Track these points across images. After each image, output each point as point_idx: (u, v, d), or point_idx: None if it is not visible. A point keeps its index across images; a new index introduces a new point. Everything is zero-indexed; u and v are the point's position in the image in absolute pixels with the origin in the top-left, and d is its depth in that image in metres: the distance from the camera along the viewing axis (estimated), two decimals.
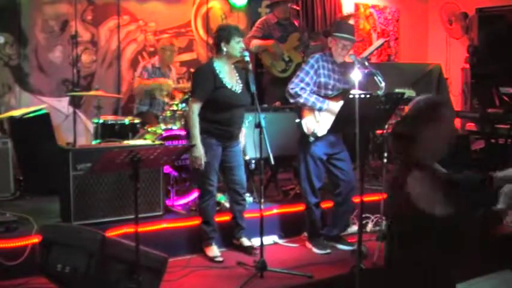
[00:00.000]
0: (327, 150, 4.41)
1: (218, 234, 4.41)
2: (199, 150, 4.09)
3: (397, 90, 4.91)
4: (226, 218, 4.51)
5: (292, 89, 4.31)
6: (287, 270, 4.00)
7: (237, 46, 4.15)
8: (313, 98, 4.29)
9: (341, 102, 4.24)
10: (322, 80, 4.34)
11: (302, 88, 4.29)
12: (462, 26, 8.65)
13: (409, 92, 4.64)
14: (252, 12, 7.44)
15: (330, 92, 4.38)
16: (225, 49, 4.16)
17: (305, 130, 4.35)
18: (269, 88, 6.23)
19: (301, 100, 4.29)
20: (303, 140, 4.40)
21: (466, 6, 8.59)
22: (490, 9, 8.37)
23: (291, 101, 4.38)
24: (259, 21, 6.38)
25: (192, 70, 6.98)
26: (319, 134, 4.30)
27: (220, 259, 4.25)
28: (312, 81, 4.32)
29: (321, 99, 4.31)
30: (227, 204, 4.64)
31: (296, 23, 6.46)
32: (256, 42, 6.09)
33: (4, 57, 5.97)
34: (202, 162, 4.10)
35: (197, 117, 4.10)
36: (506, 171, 2.27)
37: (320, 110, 4.29)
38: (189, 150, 4.13)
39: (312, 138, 4.32)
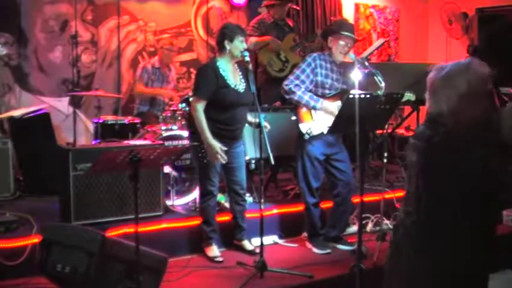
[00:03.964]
0: (324, 151, 4.41)
1: (218, 234, 4.41)
2: (215, 145, 4.04)
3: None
4: (226, 218, 4.51)
5: (286, 85, 4.32)
6: (287, 270, 4.00)
7: (239, 45, 4.13)
8: (307, 97, 4.29)
9: (337, 102, 4.26)
10: (319, 79, 4.34)
11: (296, 85, 4.29)
12: (462, 26, 8.65)
13: (408, 96, 4.63)
14: (252, 12, 7.44)
15: (327, 92, 4.38)
16: (228, 47, 4.14)
17: (301, 128, 4.35)
18: (264, 88, 6.20)
19: (295, 97, 4.30)
20: (300, 139, 4.41)
21: (466, 6, 8.60)
22: (490, 9, 8.37)
23: (286, 97, 4.40)
24: (254, 20, 6.34)
25: (192, 70, 7.04)
26: (315, 133, 4.30)
27: (220, 259, 4.25)
28: (308, 79, 4.32)
29: (315, 97, 4.31)
30: (227, 204, 4.65)
31: (290, 24, 6.45)
32: (253, 39, 6.05)
33: (4, 57, 5.97)
34: (223, 155, 4.07)
35: (203, 115, 4.06)
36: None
37: (314, 108, 4.30)
38: (189, 150, 4.12)
39: (307, 136, 4.32)
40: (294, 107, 4.46)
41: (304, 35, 6.47)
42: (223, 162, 4.10)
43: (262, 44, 6.11)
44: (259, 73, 6.31)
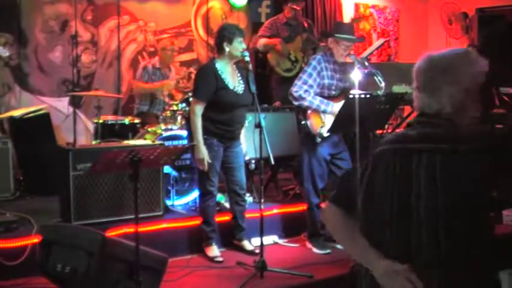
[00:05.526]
0: (330, 151, 4.42)
1: (218, 234, 4.41)
2: (203, 152, 4.07)
3: (395, 89, 4.90)
4: (226, 218, 4.51)
5: (296, 91, 4.29)
6: (287, 270, 4.00)
7: (239, 46, 4.12)
8: (317, 101, 4.27)
9: (343, 102, 4.25)
10: (326, 81, 4.33)
11: (306, 91, 4.27)
12: (462, 26, 8.66)
13: (403, 89, 4.64)
14: (252, 12, 7.44)
15: (333, 92, 4.38)
16: (227, 49, 4.13)
17: (311, 131, 4.34)
18: (276, 88, 6.27)
19: (306, 103, 4.28)
20: (308, 140, 4.39)
21: (466, 6, 8.60)
22: (490, 9, 8.37)
23: (295, 103, 4.37)
24: (268, 20, 6.46)
25: (192, 70, 7.04)
26: (326, 135, 4.30)
27: (220, 259, 4.25)
28: (316, 83, 4.30)
29: (325, 101, 4.29)
30: (227, 205, 4.65)
31: (305, 24, 6.45)
32: (263, 41, 6.19)
33: (6, 58, 5.97)
34: (206, 164, 4.10)
35: (200, 119, 4.07)
36: None
37: (325, 112, 4.28)
38: (189, 150, 4.13)
39: (319, 139, 4.31)
40: (302, 110, 4.43)
41: (317, 35, 6.48)
42: (205, 170, 4.12)
43: (271, 46, 6.18)
44: (271, 74, 6.36)
